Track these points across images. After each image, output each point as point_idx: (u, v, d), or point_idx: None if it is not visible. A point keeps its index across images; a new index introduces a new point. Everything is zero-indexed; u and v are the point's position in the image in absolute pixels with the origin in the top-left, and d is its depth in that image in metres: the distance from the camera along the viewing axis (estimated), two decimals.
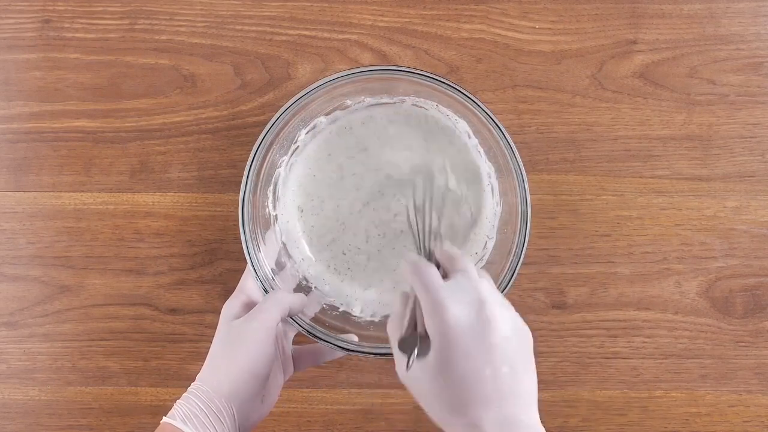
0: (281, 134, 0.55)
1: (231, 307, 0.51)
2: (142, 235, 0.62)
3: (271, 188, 0.58)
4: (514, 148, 0.54)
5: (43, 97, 0.63)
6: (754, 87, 0.63)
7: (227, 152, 0.63)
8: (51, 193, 0.62)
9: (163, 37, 0.64)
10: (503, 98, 0.63)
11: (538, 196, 0.62)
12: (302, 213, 0.60)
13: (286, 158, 0.59)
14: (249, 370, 0.48)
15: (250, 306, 0.52)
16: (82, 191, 0.62)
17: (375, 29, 0.64)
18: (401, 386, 0.60)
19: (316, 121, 0.58)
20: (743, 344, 0.61)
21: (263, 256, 0.55)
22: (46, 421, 0.60)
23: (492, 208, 0.59)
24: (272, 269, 0.55)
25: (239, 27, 0.64)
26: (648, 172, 0.62)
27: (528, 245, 0.53)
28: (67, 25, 0.64)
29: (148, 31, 0.64)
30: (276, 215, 0.59)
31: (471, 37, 0.64)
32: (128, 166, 0.63)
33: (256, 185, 0.55)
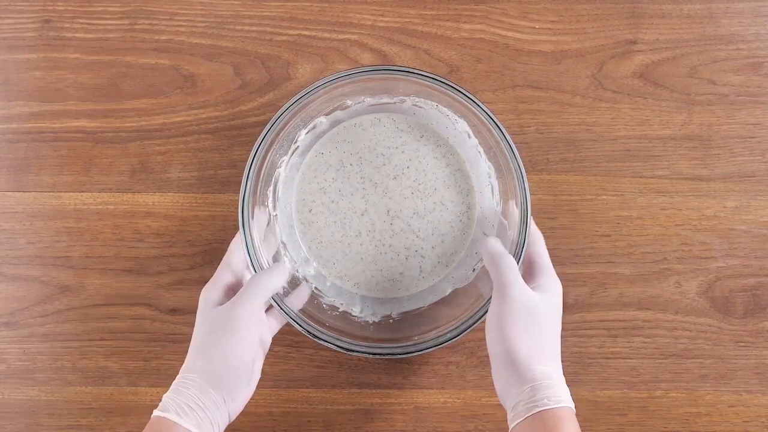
0: (281, 134, 0.55)
1: (212, 292, 0.51)
2: (142, 235, 0.62)
3: (271, 188, 0.58)
4: (514, 148, 0.54)
5: (43, 97, 0.63)
6: (754, 87, 0.63)
7: (227, 152, 0.63)
8: (51, 193, 0.62)
9: (163, 37, 0.64)
10: (503, 98, 0.63)
11: (538, 196, 0.62)
12: (302, 213, 0.60)
13: (286, 158, 0.59)
14: (239, 357, 0.48)
15: (231, 290, 0.52)
16: (82, 191, 0.62)
17: (375, 29, 0.64)
18: (401, 386, 0.61)
19: (316, 121, 0.58)
20: (743, 344, 0.61)
21: (263, 254, 0.55)
22: (46, 421, 0.60)
23: (492, 207, 0.59)
24: (269, 262, 0.55)
25: (239, 27, 0.64)
26: (648, 172, 0.62)
27: (528, 245, 0.53)
28: (67, 25, 0.64)
29: (148, 31, 0.64)
30: (276, 215, 0.59)
31: (471, 37, 0.64)
32: (128, 166, 0.63)
33: (256, 185, 0.55)
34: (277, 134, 0.55)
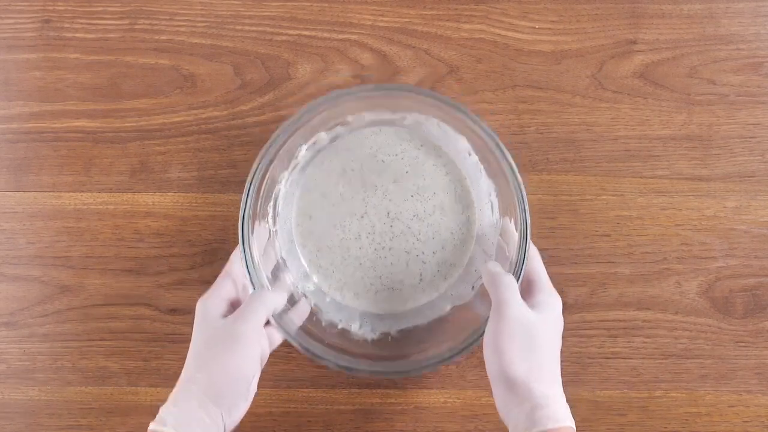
0: (281, 150, 0.55)
1: (212, 304, 0.50)
2: (142, 235, 0.62)
3: (271, 204, 0.58)
4: (514, 167, 0.53)
5: (43, 97, 0.63)
6: (754, 87, 0.63)
7: (227, 152, 0.63)
8: (51, 193, 0.62)
9: (163, 37, 0.64)
10: (503, 98, 0.63)
11: (538, 196, 0.62)
12: (302, 228, 0.59)
13: (286, 174, 0.58)
14: (240, 373, 0.47)
15: (231, 302, 0.51)
16: (82, 191, 0.62)
17: (375, 29, 0.64)
18: (401, 386, 0.61)
19: (316, 136, 0.58)
20: (743, 344, 0.61)
21: (261, 268, 0.54)
22: (46, 421, 0.60)
23: (491, 224, 0.59)
24: (268, 278, 0.55)
25: (239, 27, 0.64)
26: (648, 172, 0.62)
27: (527, 262, 0.53)
28: (67, 25, 0.64)
29: (148, 31, 0.64)
30: (276, 230, 0.58)
31: (471, 37, 0.64)
32: (128, 166, 0.63)
33: (256, 201, 0.54)
34: (278, 151, 0.54)
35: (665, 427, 0.60)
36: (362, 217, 0.59)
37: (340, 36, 0.64)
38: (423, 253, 0.59)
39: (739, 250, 0.62)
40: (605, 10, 0.64)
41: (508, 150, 0.53)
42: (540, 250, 0.61)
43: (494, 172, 0.56)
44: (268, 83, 0.63)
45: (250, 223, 0.53)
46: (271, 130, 0.63)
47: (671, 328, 0.61)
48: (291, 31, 0.64)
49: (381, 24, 0.64)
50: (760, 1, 0.64)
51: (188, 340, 0.61)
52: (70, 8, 0.64)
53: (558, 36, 0.64)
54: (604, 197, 0.62)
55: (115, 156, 0.63)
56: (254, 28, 0.64)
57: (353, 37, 0.64)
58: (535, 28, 0.64)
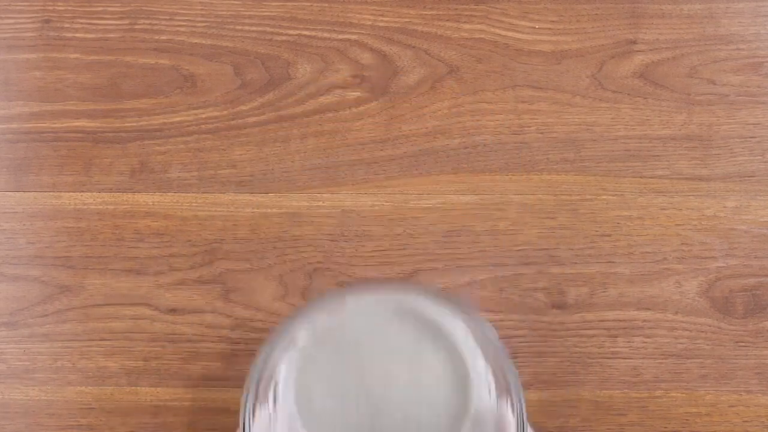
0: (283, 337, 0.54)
1: None
2: (142, 235, 0.62)
3: (272, 388, 0.56)
4: (508, 359, 0.52)
5: (43, 97, 0.63)
6: (754, 87, 0.63)
7: (227, 152, 0.63)
8: (51, 193, 0.62)
9: (163, 37, 0.64)
10: (503, 98, 0.63)
11: (538, 196, 0.62)
12: (302, 407, 0.58)
13: (285, 357, 0.57)
14: None
15: None
16: (82, 191, 0.62)
17: (375, 29, 0.64)
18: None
19: (316, 319, 0.57)
20: (743, 344, 0.61)
21: None
22: (46, 421, 0.60)
23: (490, 408, 0.57)
24: None
25: (239, 27, 0.64)
26: (648, 172, 0.62)
27: None
28: (67, 25, 0.64)
29: (148, 31, 0.64)
30: (276, 414, 0.57)
31: (471, 37, 0.64)
32: (128, 166, 0.63)
33: (257, 389, 0.53)
34: (279, 339, 0.53)
35: (665, 427, 0.60)
36: (360, 383, 0.57)
37: (340, 36, 0.64)
38: (420, 415, 0.57)
39: (739, 250, 0.62)
40: (605, 10, 0.64)
41: (499, 339, 0.52)
42: (540, 249, 0.61)
43: (489, 357, 0.55)
44: (268, 83, 0.63)
45: (252, 411, 0.52)
46: (272, 130, 0.63)
47: (671, 328, 0.61)
48: (291, 31, 0.64)
49: (381, 24, 0.64)
50: (760, 1, 0.64)
51: (188, 340, 0.62)
52: (70, 8, 0.64)
53: (558, 36, 0.64)
54: (604, 197, 0.62)
55: (115, 156, 0.63)
56: (254, 28, 0.64)
57: (353, 37, 0.64)
58: (535, 28, 0.64)
